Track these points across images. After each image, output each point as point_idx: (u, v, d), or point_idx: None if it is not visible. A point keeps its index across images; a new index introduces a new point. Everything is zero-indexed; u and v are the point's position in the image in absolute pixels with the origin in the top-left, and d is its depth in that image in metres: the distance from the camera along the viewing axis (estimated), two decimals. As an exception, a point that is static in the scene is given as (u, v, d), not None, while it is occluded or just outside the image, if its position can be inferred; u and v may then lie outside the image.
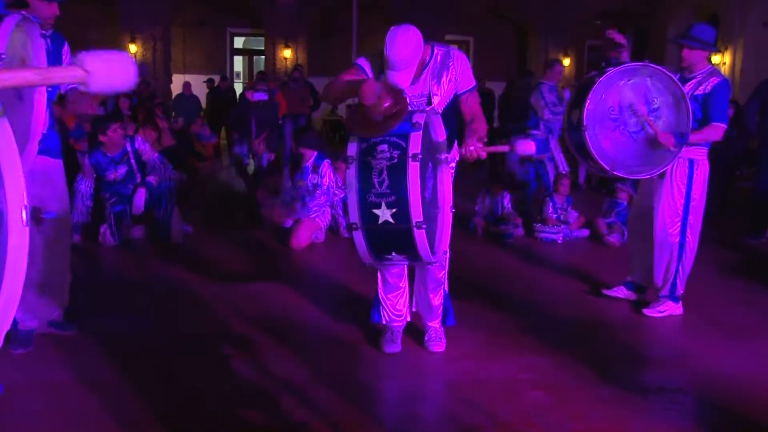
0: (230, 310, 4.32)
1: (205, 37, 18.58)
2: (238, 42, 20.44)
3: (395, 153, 2.82)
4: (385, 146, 2.85)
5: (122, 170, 6.07)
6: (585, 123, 3.93)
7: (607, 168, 4.01)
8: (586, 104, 3.93)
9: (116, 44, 16.65)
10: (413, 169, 2.77)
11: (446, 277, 3.61)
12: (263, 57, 18.48)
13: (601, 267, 5.52)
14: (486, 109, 9.18)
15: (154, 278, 5.16)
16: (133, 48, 16.51)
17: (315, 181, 6.26)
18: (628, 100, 4.01)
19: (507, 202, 6.93)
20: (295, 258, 5.87)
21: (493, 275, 5.42)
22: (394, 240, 2.87)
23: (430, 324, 3.67)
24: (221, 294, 4.63)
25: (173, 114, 13.27)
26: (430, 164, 3.10)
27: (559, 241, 6.57)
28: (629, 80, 4.00)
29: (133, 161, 6.07)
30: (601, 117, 4.01)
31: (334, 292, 4.87)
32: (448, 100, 3.32)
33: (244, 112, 9.08)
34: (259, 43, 19.30)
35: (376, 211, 2.79)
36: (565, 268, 5.62)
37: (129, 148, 6.07)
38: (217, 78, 14.97)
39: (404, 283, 3.61)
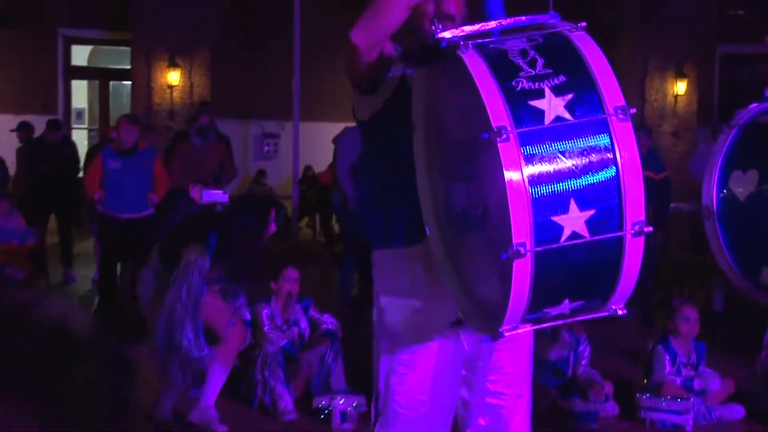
0: None
1: (16, 45, 18.74)
2: (80, 55, 20.85)
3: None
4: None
5: None
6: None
7: None
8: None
9: None
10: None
11: None
12: (128, 84, 18.44)
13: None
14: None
15: None
16: None
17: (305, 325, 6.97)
18: None
19: (585, 349, 7.17)
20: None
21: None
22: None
23: None
24: None
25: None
26: None
27: (689, 428, 6.59)
28: None
29: None
30: None
31: None
32: None
33: (193, 228, 7.54)
34: (120, 59, 19.62)
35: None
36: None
37: None
38: (39, 121, 14.46)
39: None
